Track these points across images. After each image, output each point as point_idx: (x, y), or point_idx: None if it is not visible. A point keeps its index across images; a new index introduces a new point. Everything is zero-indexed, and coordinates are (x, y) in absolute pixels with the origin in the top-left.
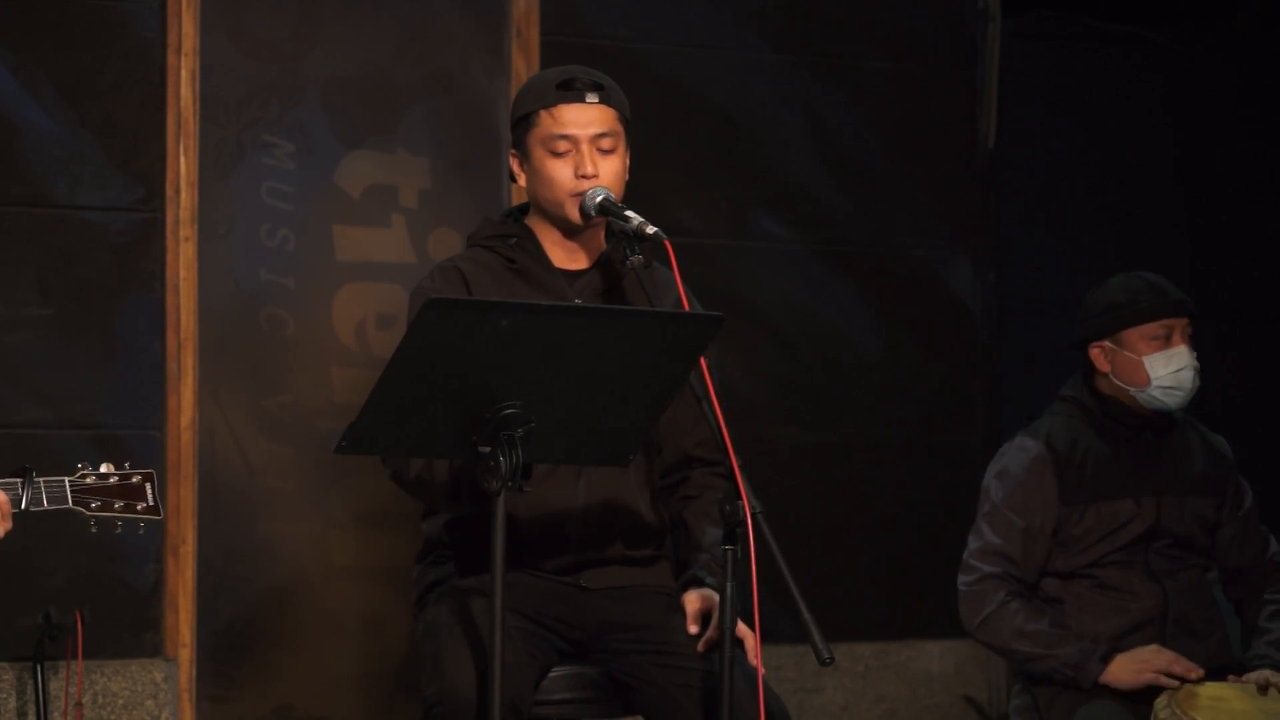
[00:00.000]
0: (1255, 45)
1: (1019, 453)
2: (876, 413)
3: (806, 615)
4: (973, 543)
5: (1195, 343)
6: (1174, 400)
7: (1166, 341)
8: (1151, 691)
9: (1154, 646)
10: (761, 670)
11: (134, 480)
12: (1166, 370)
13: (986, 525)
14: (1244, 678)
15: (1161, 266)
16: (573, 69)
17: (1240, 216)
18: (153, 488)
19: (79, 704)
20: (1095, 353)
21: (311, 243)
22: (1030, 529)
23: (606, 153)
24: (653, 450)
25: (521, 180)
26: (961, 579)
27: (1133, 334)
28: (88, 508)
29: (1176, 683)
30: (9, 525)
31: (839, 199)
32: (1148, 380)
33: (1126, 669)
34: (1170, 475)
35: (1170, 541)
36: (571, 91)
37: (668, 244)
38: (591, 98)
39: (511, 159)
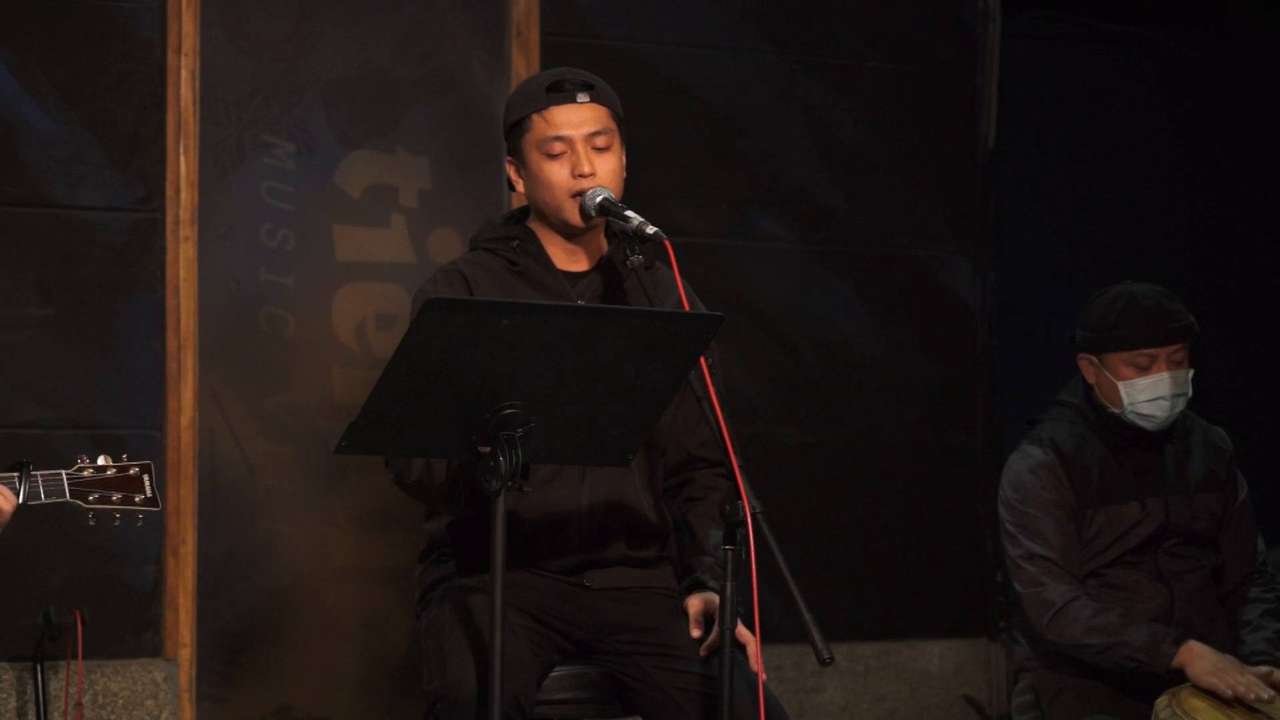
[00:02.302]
0: (1255, 45)
1: (1029, 460)
2: (876, 413)
3: (806, 615)
4: (1013, 550)
5: (1195, 357)
6: (1150, 424)
7: (1147, 369)
8: (1155, 691)
9: (1234, 659)
10: (763, 676)
11: (131, 472)
12: (1142, 398)
13: (1019, 532)
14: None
15: (1161, 266)
16: (562, 70)
17: (1240, 216)
18: (150, 479)
19: (79, 704)
20: (1083, 363)
21: (311, 243)
22: (1061, 524)
23: (602, 150)
24: (656, 452)
25: (520, 187)
26: (1017, 586)
27: (1113, 357)
28: (85, 500)
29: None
30: (14, 503)
31: (839, 199)
32: (1123, 405)
33: (1204, 664)
34: (1176, 476)
35: (1180, 540)
36: (562, 93)
37: (668, 244)
38: (582, 97)
39: (508, 167)
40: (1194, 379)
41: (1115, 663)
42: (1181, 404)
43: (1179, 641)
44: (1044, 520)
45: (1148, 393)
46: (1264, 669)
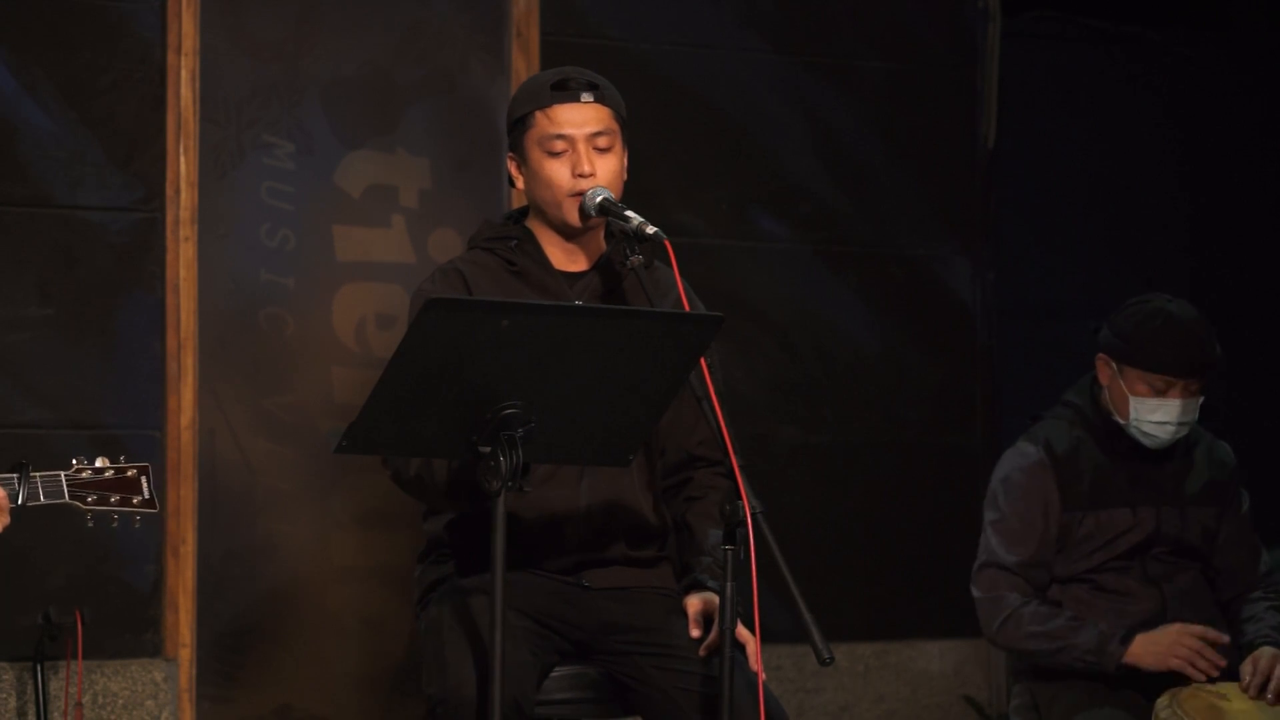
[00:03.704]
0: (1255, 45)
1: (1020, 459)
2: (876, 413)
3: (806, 615)
4: (982, 553)
5: (1208, 390)
6: (1150, 443)
7: (1161, 393)
8: (1158, 690)
9: (1176, 626)
10: (762, 675)
11: (130, 474)
12: (1149, 418)
13: (994, 534)
14: (1253, 656)
15: (1161, 266)
16: (567, 69)
17: (1240, 216)
18: (148, 481)
19: (79, 704)
20: (1100, 363)
21: (311, 243)
22: (1037, 534)
23: (603, 151)
24: (655, 452)
25: (520, 184)
26: (975, 589)
27: (1132, 372)
28: (84, 502)
29: (1203, 676)
30: (7, 520)
31: (839, 199)
32: (1129, 418)
33: (1150, 651)
34: (1172, 487)
35: (1168, 549)
36: (566, 91)
37: (668, 244)
38: (586, 97)
39: (509, 163)
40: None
41: (1064, 665)
42: (1185, 430)
43: (1126, 640)
44: (1020, 526)
45: (1156, 415)
46: (1207, 629)
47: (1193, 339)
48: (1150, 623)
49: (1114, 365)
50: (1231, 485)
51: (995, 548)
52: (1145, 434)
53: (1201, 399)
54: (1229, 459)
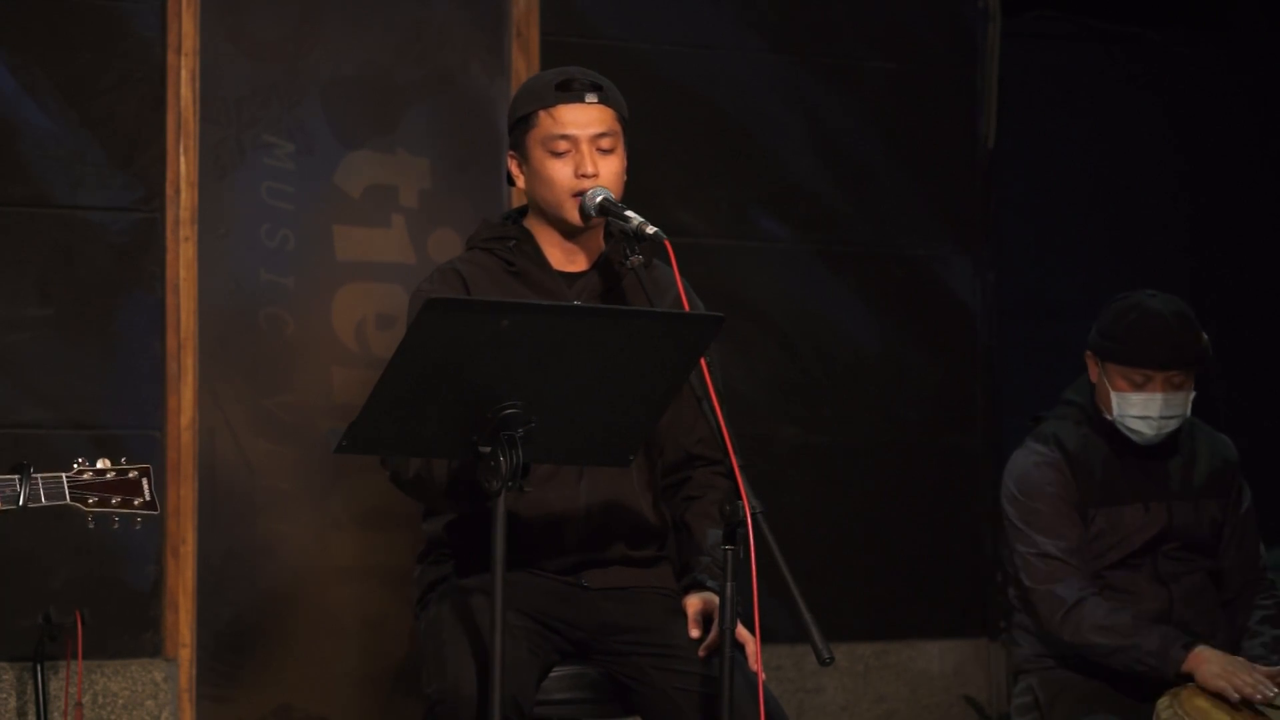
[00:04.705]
0: (1255, 45)
1: (1034, 457)
2: (876, 413)
3: (806, 615)
4: (1023, 547)
5: (1202, 380)
6: (1137, 439)
7: (1141, 387)
8: (1155, 692)
9: (1242, 660)
10: (762, 675)
11: (131, 475)
12: (1132, 412)
13: (1028, 529)
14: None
15: (1161, 266)
16: (571, 70)
17: (1240, 216)
18: (149, 483)
19: (79, 704)
20: (1088, 361)
21: (311, 243)
22: (1071, 520)
23: (606, 152)
24: (655, 452)
25: (520, 182)
26: (1028, 582)
27: (1112, 368)
28: (85, 503)
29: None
30: None
31: (839, 199)
32: (1114, 413)
33: (1212, 667)
34: (1179, 480)
35: (1180, 544)
36: (570, 92)
37: (668, 244)
38: (590, 98)
39: (510, 161)
40: (1196, 379)
41: (1124, 664)
42: (1173, 425)
43: (1188, 647)
44: (1053, 516)
45: (1138, 409)
46: (1276, 669)
47: (1167, 331)
48: (1155, 623)
49: (1099, 363)
50: (1234, 477)
51: (1038, 540)
52: (1130, 429)
53: (1192, 393)
54: (1230, 451)
